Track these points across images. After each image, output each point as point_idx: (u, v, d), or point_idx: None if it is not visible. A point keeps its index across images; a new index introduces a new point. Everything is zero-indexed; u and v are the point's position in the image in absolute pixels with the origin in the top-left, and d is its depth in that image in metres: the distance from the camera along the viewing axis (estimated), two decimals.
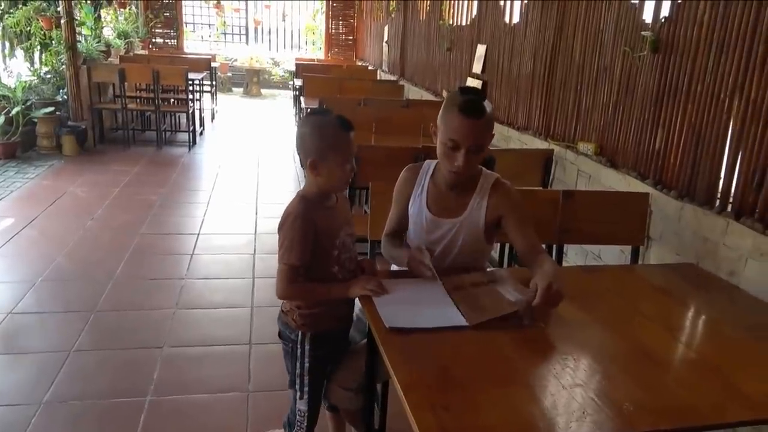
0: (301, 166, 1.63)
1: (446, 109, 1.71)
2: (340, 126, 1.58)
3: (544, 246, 1.96)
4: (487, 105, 1.70)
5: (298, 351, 1.69)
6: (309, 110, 1.68)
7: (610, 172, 2.81)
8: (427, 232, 1.84)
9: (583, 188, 3.03)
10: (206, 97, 9.26)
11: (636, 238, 2.46)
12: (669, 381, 1.34)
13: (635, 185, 2.60)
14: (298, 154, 1.62)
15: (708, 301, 1.87)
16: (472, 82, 4.90)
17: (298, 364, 1.69)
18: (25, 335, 2.85)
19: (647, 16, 2.65)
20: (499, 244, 2.93)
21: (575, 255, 3.08)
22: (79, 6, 7.07)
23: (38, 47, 6.76)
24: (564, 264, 2.82)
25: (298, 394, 1.71)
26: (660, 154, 2.52)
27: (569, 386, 1.28)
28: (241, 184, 5.73)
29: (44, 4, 6.51)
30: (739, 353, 1.49)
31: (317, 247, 1.60)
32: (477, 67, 4.84)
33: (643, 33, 2.60)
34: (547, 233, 2.40)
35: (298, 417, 1.73)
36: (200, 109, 8.10)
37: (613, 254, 2.71)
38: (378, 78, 8.54)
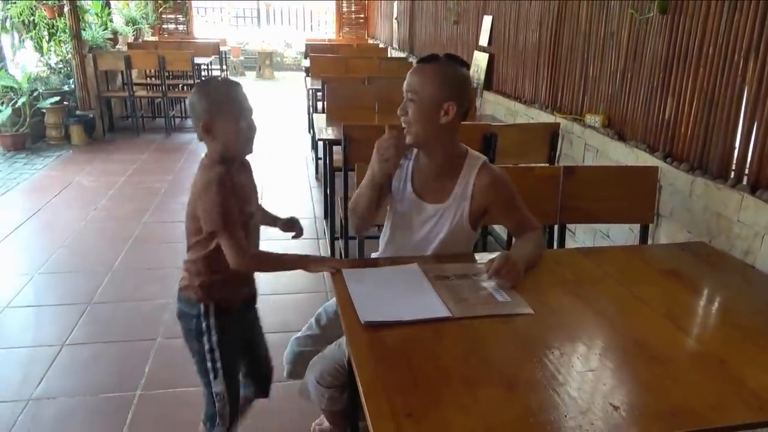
0: (198, 138, 1.56)
1: None
2: (225, 84, 1.55)
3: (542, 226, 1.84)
4: (447, 62, 1.59)
5: (203, 325, 1.58)
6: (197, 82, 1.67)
7: (618, 146, 2.63)
8: (414, 214, 1.71)
9: (590, 163, 2.85)
10: None
11: (645, 216, 2.29)
12: (666, 378, 1.19)
13: (644, 158, 2.43)
14: (193, 125, 1.57)
15: (718, 283, 1.71)
16: (479, 56, 4.70)
17: (205, 340, 1.58)
18: (18, 330, 2.81)
19: None
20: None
21: (583, 234, 2.91)
22: None
23: (45, 37, 6.72)
24: (570, 244, 2.67)
25: (212, 374, 1.61)
26: (670, 124, 2.34)
27: (552, 386, 1.15)
28: None
29: None
30: (749, 343, 1.34)
31: None
32: (483, 40, 4.64)
33: None
34: (547, 213, 2.25)
35: (217, 404, 1.63)
36: None
37: (623, 233, 2.55)
38: (389, 56, 8.34)
